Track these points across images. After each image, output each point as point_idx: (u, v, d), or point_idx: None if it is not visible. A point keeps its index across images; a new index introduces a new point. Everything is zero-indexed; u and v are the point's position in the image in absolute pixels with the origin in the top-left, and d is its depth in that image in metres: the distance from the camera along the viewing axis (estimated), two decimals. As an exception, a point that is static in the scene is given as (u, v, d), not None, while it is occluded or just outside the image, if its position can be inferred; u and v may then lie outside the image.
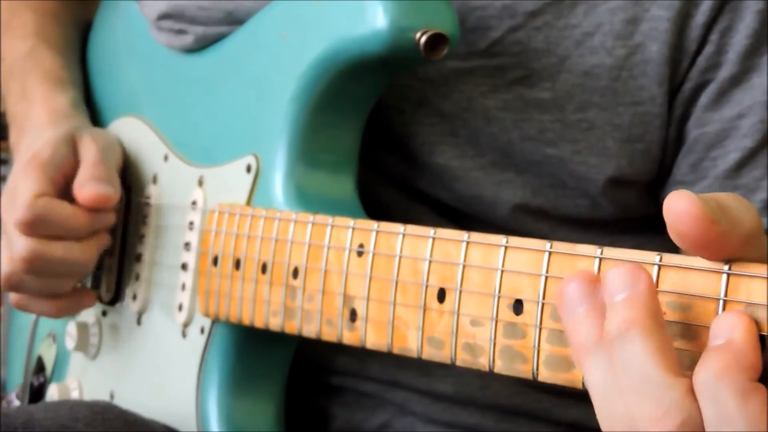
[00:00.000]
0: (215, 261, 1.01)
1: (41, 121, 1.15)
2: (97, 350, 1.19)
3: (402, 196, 1.06)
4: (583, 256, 0.69)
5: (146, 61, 1.19)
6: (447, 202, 1.05)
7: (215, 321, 1.03)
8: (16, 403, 1.27)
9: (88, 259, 1.09)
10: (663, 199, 1.02)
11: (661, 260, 0.64)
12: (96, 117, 1.23)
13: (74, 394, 1.21)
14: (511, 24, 1.00)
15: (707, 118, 0.99)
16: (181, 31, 1.12)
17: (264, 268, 0.96)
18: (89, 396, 1.19)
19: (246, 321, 0.98)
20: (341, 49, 0.95)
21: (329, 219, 0.90)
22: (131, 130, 1.17)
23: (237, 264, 0.99)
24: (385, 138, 1.04)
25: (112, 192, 1.08)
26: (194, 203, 1.06)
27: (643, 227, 1.07)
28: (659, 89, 0.99)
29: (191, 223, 1.06)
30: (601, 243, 1.05)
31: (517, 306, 0.74)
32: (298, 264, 0.92)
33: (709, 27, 0.98)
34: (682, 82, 0.99)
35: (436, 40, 0.91)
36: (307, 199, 0.99)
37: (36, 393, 1.27)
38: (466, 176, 1.03)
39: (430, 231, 0.81)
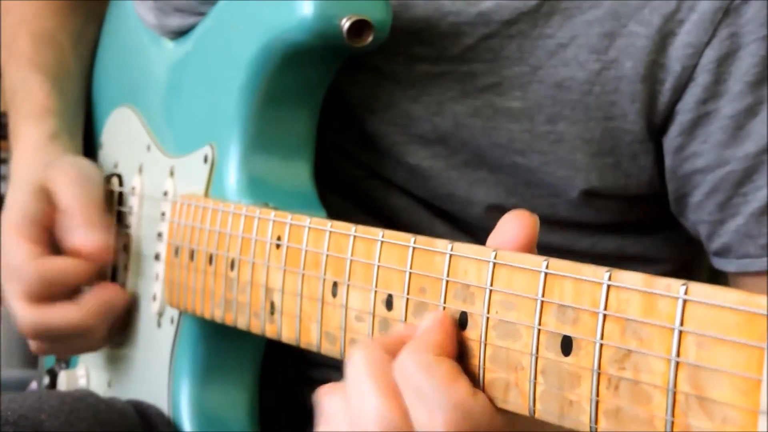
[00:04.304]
0: (177, 252, 1.02)
1: (22, 164, 1.15)
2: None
3: (384, 188, 1.04)
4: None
5: (139, 50, 1.19)
6: (424, 200, 1.03)
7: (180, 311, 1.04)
8: (33, 388, 1.30)
9: (89, 319, 1.08)
10: (691, 232, 0.99)
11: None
12: (99, 109, 1.25)
13: (81, 382, 1.23)
14: (485, 31, 0.97)
15: (729, 156, 0.93)
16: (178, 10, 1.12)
17: (211, 260, 0.96)
18: (95, 383, 1.22)
19: (198, 312, 0.98)
20: (275, 39, 0.94)
21: (256, 211, 0.89)
22: (123, 121, 1.18)
23: (192, 255, 0.99)
24: (361, 136, 1.03)
25: (103, 238, 1.08)
26: (165, 193, 1.07)
27: (626, 229, 1.03)
28: (632, 106, 0.95)
29: (163, 214, 1.07)
30: (581, 245, 1.04)
31: (389, 301, 0.72)
32: (235, 256, 0.92)
33: (699, 50, 0.92)
34: (672, 110, 0.94)
35: (361, 27, 0.89)
36: (260, 189, 0.98)
37: (56, 379, 1.30)
38: (438, 175, 1.01)
39: (327, 224, 0.80)
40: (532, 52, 0.96)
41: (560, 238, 1.01)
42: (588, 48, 0.95)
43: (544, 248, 0.99)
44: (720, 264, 0.98)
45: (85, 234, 1.08)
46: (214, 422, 1.04)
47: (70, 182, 1.10)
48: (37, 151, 1.16)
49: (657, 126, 0.96)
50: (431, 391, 0.61)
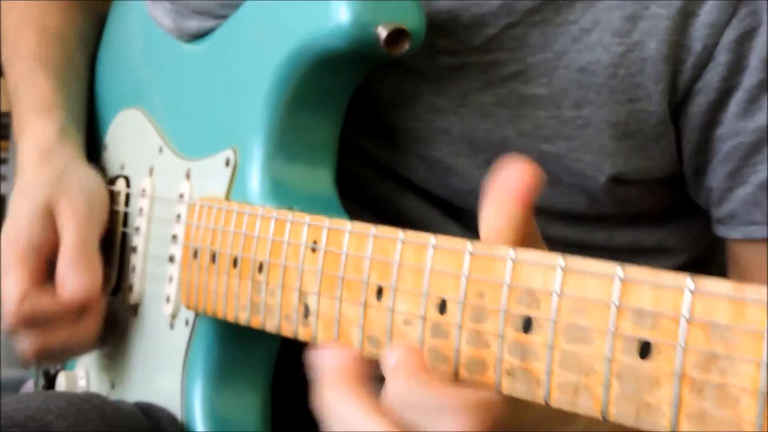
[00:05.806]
0: (195, 254, 1.02)
1: (28, 162, 1.16)
2: (102, 340, 1.20)
3: (396, 188, 1.05)
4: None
5: (150, 52, 1.20)
6: (442, 197, 1.04)
7: (197, 313, 1.04)
8: (30, 389, 1.29)
9: (85, 337, 1.12)
10: (699, 201, 1.02)
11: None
12: (104, 110, 1.25)
13: (81, 383, 1.23)
14: (508, 21, 0.99)
15: (741, 127, 0.97)
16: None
17: (235, 263, 0.96)
18: (95, 385, 1.21)
19: (219, 314, 0.98)
20: (308, 45, 0.95)
21: (288, 214, 0.90)
22: (132, 123, 1.19)
23: (213, 257, 0.99)
24: (380, 131, 1.04)
25: (93, 283, 1.10)
26: (181, 196, 1.07)
27: (640, 221, 1.06)
28: (656, 87, 0.98)
29: (178, 216, 1.07)
30: (597, 239, 1.06)
31: (442, 306, 0.73)
32: (263, 259, 0.92)
33: (719, 30, 0.96)
34: (691, 88, 0.98)
35: (398, 35, 0.90)
36: (283, 194, 0.99)
37: (52, 381, 1.30)
38: (461, 172, 1.02)
39: (370, 228, 0.81)
40: (555, 39, 0.98)
41: (577, 232, 1.04)
42: (611, 31, 0.97)
43: (561, 243, 1.01)
44: (723, 231, 1.01)
45: (74, 280, 1.09)
46: (228, 425, 1.05)
47: (76, 217, 1.11)
48: (46, 155, 1.15)
49: (675, 105, 0.99)
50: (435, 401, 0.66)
